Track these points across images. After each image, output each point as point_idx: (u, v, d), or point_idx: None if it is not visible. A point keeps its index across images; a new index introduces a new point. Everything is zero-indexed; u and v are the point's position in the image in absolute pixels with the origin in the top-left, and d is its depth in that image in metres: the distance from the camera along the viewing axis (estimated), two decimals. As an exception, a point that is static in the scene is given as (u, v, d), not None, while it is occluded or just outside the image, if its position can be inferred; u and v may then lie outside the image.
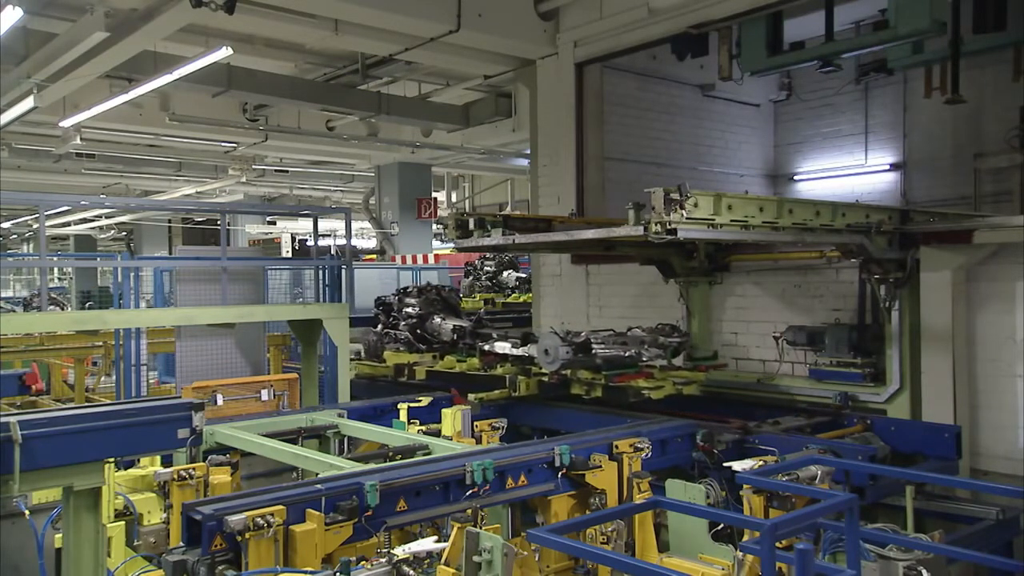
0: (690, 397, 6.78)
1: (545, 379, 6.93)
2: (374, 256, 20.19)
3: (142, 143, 17.24)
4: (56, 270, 32.75)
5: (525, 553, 3.74)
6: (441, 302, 8.54)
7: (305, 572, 3.52)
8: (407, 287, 8.99)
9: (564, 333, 6.66)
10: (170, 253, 24.18)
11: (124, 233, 32.35)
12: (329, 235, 24.25)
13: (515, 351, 7.21)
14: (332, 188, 23.99)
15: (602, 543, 4.45)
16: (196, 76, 10.53)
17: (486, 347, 7.54)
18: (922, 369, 6.21)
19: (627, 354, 6.58)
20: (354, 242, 19.15)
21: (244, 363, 9.58)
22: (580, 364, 6.57)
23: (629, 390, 6.44)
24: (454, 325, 8.12)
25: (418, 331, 8.31)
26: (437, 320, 8.28)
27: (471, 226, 6.39)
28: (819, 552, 3.88)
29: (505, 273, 14.13)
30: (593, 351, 6.53)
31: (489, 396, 7.06)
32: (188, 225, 29.67)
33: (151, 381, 11.18)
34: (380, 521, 4.02)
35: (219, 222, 9.50)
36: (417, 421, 6.22)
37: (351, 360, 8.79)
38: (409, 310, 8.44)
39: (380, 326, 8.64)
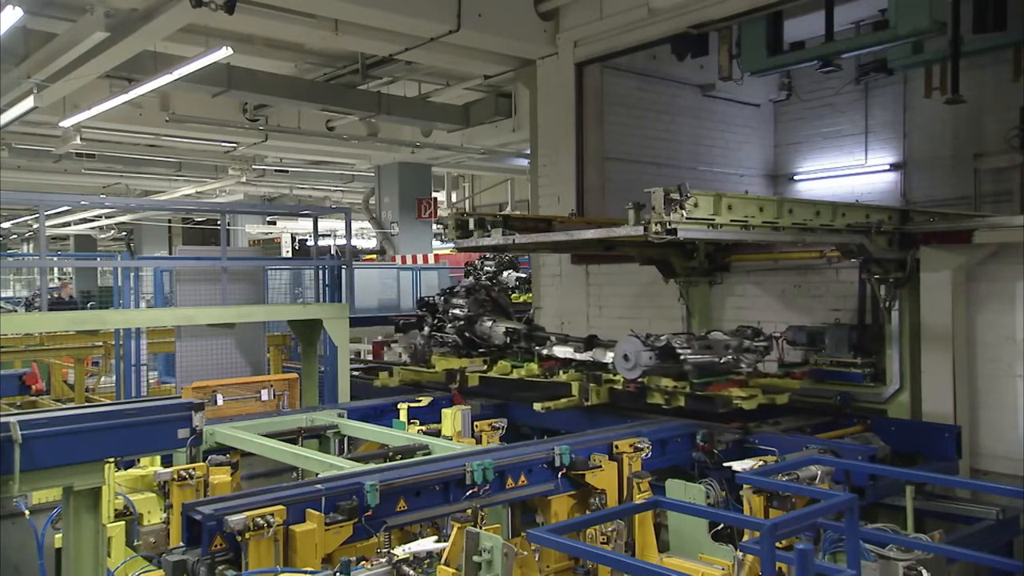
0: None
1: (617, 387, 6.39)
2: (374, 256, 20.20)
3: (142, 143, 17.25)
4: (56, 270, 32.76)
5: (525, 553, 3.74)
6: (491, 303, 7.97)
7: (305, 572, 3.52)
8: (453, 286, 8.35)
9: (644, 337, 6.06)
10: (170, 253, 24.18)
11: (124, 233, 32.37)
12: (329, 235, 24.26)
13: (579, 356, 6.70)
14: (332, 188, 24.00)
15: (602, 543, 4.45)
16: (196, 76, 10.54)
17: (544, 351, 7.03)
18: (922, 369, 6.20)
19: (722, 360, 6.00)
20: (354, 242, 19.15)
21: (244, 363, 9.58)
22: (664, 371, 6.01)
23: (718, 400, 5.90)
24: (507, 327, 7.50)
25: (466, 334, 7.75)
26: (487, 322, 7.68)
27: (471, 226, 6.39)
28: (819, 552, 3.88)
29: (505, 273, 14.12)
30: (681, 357, 5.96)
31: (556, 405, 6.44)
32: (188, 225, 29.68)
33: (151, 381, 11.18)
34: (380, 521, 4.02)
35: (219, 222, 9.51)
36: (417, 421, 6.22)
37: (396, 366, 8.28)
38: (456, 311, 7.85)
39: (427, 329, 8.08)
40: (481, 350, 7.74)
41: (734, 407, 5.86)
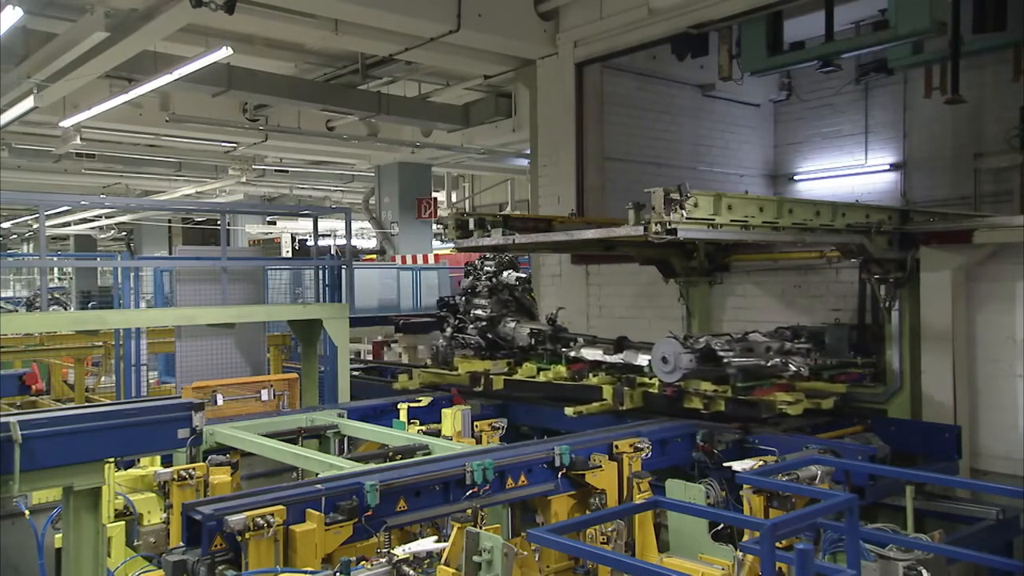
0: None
1: (652, 391, 6.16)
2: (374, 256, 20.19)
3: (142, 143, 17.26)
4: (56, 270, 32.76)
5: (525, 553, 3.74)
6: (514, 303, 7.71)
7: (305, 572, 3.52)
8: (475, 286, 8.01)
9: (683, 338, 5.85)
10: (170, 253, 24.18)
11: (124, 233, 32.36)
12: (329, 235, 24.26)
13: (609, 358, 6.46)
14: (332, 188, 24.01)
15: (602, 543, 4.44)
16: (196, 76, 10.54)
17: (572, 353, 6.78)
18: (922, 369, 6.21)
19: (768, 363, 5.73)
20: (354, 242, 19.14)
21: (244, 363, 9.57)
22: (705, 375, 5.76)
23: (762, 405, 5.67)
24: (532, 329, 7.23)
25: (488, 335, 7.52)
26: (511, 323, 7.43)
27: (471, 226, 6.39)
28: (819, 552, 3.88)
29: (505, 273, 14.08)
30: (724, 360, 5.72)
31: (589, 409, 6.20)
32: (188, 225, 29.68)
33: (151, 381, 11.18)
34: (380, 521, 4.02)
35: (219, 222, 9.50)
36: (417, 421, 6.21)
37: (416, 368, 8.04)
38: (479, 312, 7.62)
39: (449, 329, 7.83)
40: (503, 352, 7.51)
41: (778, 412, 5.66)
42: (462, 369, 7.45)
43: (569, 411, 6.19)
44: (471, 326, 7.64)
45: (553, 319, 7.31)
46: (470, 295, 7.84)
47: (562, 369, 6.86)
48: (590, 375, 6.60)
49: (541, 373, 6.98)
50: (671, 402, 6.05)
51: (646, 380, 6.20)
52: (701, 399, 5.88)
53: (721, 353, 5.69)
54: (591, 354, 6.66)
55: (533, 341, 7.18)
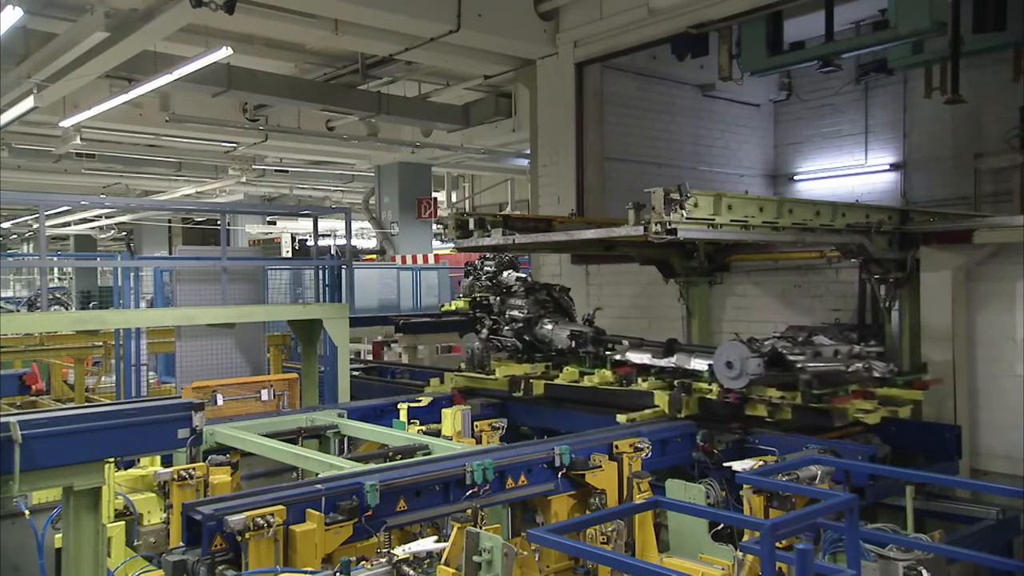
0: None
1: (710, 397, 5.79)
2: (374, 256, 20.20)
3: (142, 143, 17.26)
4: (56, 270, 32.77)
5: (525, 553, 3.74)
6: (552, 303, 7.33)
7: (305, 572, 3.52)
8: (511, 285, 7.64)
9: (748, 341, 5.50)
10: (170, 253, 24.18)
11: (124, 233, 32.37)
12: (329, 235, 24.27)
13: (659, 362, 6.16)
14: (332, 188, 24.02)
15: (602, 543, 4.44)
16: (196, 76, 10.53)
17: (617, 356, 6.45)
18: (922, 369, 6.21)
19: (850, 368, 5.41)
20: (354, 242, 19.16)
21: (244, 363, 9.57)
22: (775, 381, 5.41)
23: (835, 413, 5.33)
24: (572, 331, 6.84)
25: (525, 337, 7.15)
26: (548, 324, 7.07)
27: (471, 226, 6.38)
28: (819, 552, 3.88)
29: (505, 273, 14.05)
30: (797, 364, 5.36)
31: (642, 416, 5.88)
32: (188, 225, 29.69)
33: (151, 381, 11.18)
34: (380, 521, 4.02)
35: (219, 222, 9.50)
36: (417, 421, 6.21)
37: (448, 372, 7.80)
38: (515, 313, 7.25)
39: (484, 331, 7.42)
40: (538, 355, 7.18)
41: (851, 420, 5.38)
42: (500, 373, 7.05)
43: (621, 418, 5.86)
44: (506, 327, 7.29)
45: (591, 320, 7.02)
46: (505, 295, 7.48)
47: (608, 373, 6.45)
48: (639, 379, 6.24)
49: (585, 378, 6.58)
50: (732, 409, 5.68)
51: (703, 385, 5.86)
52: (766, 406, 5.53)
53: (791, 358, 5.39)
54: (638, 357, 6.35)
55: (574, 343, 6.80)
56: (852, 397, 5.45)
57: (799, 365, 5.38)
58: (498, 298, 7.51)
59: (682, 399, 5.80)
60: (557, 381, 6.78)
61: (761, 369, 5.28)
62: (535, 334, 7.15)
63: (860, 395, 5.48)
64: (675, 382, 5.99)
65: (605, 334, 6.83)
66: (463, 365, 7.51)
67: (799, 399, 5.40)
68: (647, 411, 5.94)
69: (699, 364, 5.95)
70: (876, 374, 5.43)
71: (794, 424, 5.51)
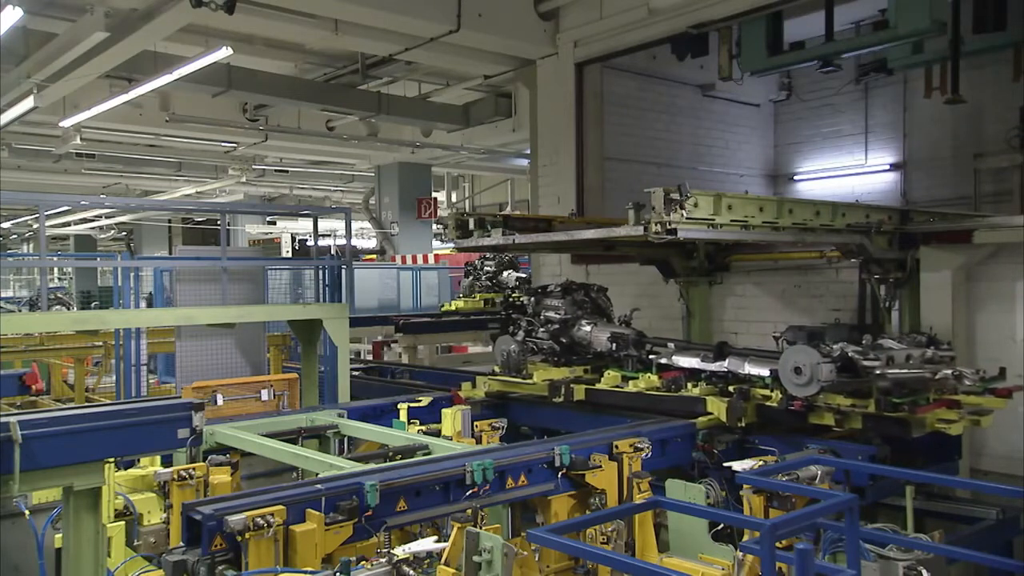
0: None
1: (770, 404, 5.44)
2: (374, 256, 20.21)
3: (142, 143, 17.27)
4: (56, 270, 32.77)
5: (525, 553, 3.74)
6: (590, 303, 7.02)
7: (305, 572, 3.51)
8: (547, 285, 7.38)
9: (818, 345, 5.23)
10: (170, 253, 24.19)
11: (124, 233, 32.38)
12: (329, 235, 24.27)
13: (710, 366, 5.86)
14: (332, 188, 24.03)
15: (602, 543, 4.44)
16: (196, 76, 10.54)
17: (663, 360, 6.17)
18: (922, 369, 6.20)
19: (937, 376, 5.05)
20: (354, 242, 19.17)
21: (244, 363, 9.56)
22: (845, 388, 5.09)
23: (912, 423, 5.00)
24: (612, 332, 6.51)
25: (562, 339, 6.82)
26: (586, 326, 6.73)
27: (471, 226, 6.37)
28: (819, 552, 3.88)
29: (505, 273, 14.10)
30: (873, 371, 5.04)
31: (699, 424, 5.60)
32: (188, 225, 29.70)
33: (151, 381, 11.18)
34: (380, 521, 4.02)
35: (219, 222, 9.50)
36: (417, 421, 6.21)
37: (481, 377, 7.38)
38: (551, 314, 6.91)
39: (520, 333, 7.07)
40: (575, 357, 6.86)
41: (929, 431, 5.07)
42: (538, 377, 6.66)
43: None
44: (541, 329, 6.96)
45: (628, 321, 6.73)
46: (540, 295, 7.17)
47: (654, 378, 6.09)
48: (688, 385, 5.92)
49: (630, 382, 6.20)
50: (796, 418, 5.36)
51: (763, 392, 5.52)
52: (834, 415, 5.21)
53: (866, 363, 5.06)
54: (687, 361, 6.04)
55: (614, 346, 6.46)
56: (935, 406, 5.10)
57: (877, 371, 5.04)
58: (532, 298, 7.23)
59: (743, 406, 5.46)
60: (599, 386, 6.42)
61: (833, 375, 4.98)
62: (572, 336, 6.80)
63: (943, 404, 5.13)
64: (731, 388, 5.64)
65: (646, 336, 6.56)
66: (496, 368, 7.12)
67: (872, 407, 5.07)
68: (702, 419, 5.60)
69: (756, 369, 5.64)
70: (967, 382, 5.10)
71: (864, 434, 5.23)
